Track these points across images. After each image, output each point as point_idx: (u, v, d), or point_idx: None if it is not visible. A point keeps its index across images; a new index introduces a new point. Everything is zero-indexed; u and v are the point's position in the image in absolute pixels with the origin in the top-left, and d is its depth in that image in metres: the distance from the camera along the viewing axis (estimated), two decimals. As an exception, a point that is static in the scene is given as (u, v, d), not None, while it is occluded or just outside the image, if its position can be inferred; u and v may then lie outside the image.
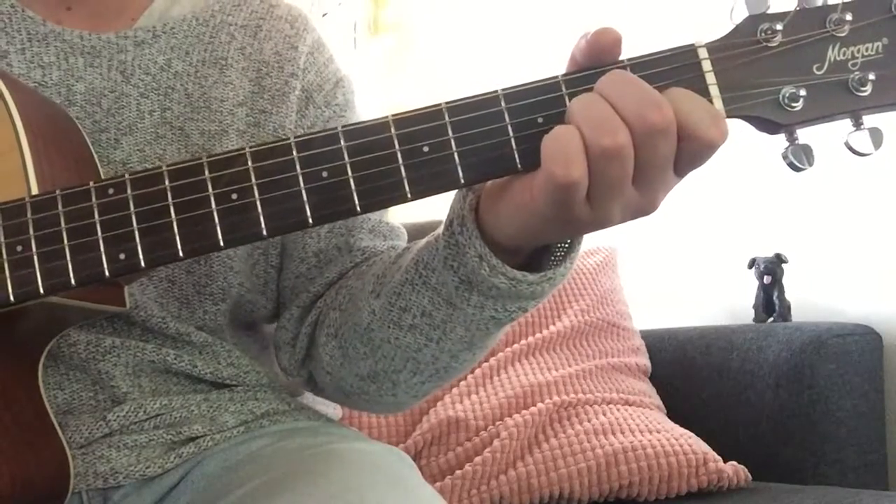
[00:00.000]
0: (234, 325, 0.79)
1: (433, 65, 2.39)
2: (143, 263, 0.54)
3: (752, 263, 1.61)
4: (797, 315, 1.57)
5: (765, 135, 0.57)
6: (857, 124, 0.56)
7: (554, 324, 1.50)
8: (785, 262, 1.58)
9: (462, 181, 0.54)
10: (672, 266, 1.85)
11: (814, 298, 1.61)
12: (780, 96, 0.55)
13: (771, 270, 1.58)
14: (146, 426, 0.71)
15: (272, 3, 0.84)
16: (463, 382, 1.40)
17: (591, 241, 1.68)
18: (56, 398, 0.69)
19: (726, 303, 1.74)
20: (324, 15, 2.48)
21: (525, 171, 0.54)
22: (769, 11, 0.56)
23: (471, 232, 0.59)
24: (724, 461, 1.29)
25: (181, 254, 0.54)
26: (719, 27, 0.57)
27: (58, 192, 0.55)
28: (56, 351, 0.69)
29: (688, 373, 1.55)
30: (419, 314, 0.65)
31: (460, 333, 0.66)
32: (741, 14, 0.56)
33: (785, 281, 1.58)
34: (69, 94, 0.72)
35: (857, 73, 0.55)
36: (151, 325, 0.72)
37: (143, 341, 0.72)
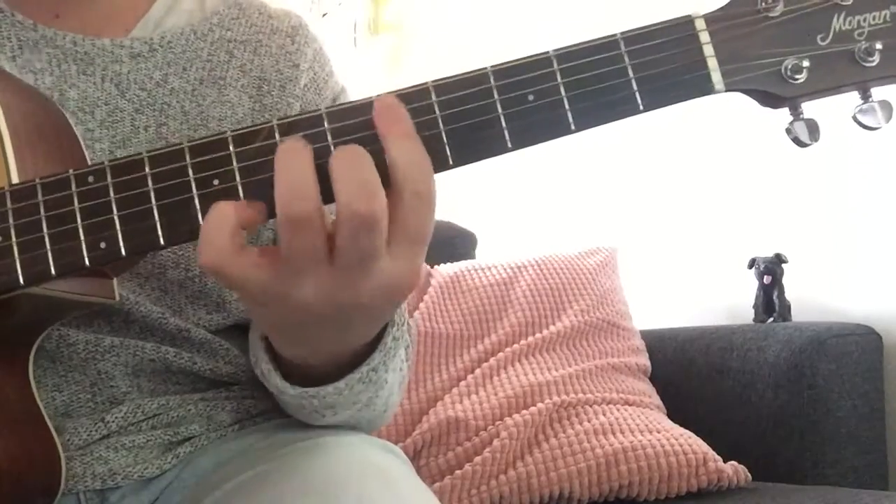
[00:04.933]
0: (232, 327, 0.79)
1: (433, 65, 2.39)
2: (123, 252, 0.53)
3: (752, 263, 1.61)
4: (797, 315, 1.57)
5: (767, 113, 0.55)
6: (866, 97, 0.54)
7: (554, 324, 1.50)
8: (785, 262, 1.58)
9: (451, 162, 0.53)
10: (672, 266, 1.85)
11: (814, 298, 1.61)
12: (783, 68, 0.53)
13: (771, 270, 1.58)
14: (144, 427, 0.71)
15: (270, 14, 0.83)
16: (463, 382, 1.41)
17: (592, 241, 1.68)
18: (54, 400, 0.69)
19: (726, 303, 1.74)
20: (324, 15, 2.48)
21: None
22: None
23: (255, 334, 0.65)
24: (724, 461, 1.29)
25: (162, 241, 0.53)
26: None
27: (37, 180, 0.54)
28: (54, 352, 0.68)
29: (688, 373, 1.55)
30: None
31: (291, 411, 0.70)
32: None
33: (785, 281, 1.58)
34: (62, 99, 0.71)
35: (863, 42, 0.53)
36: (150, 322, 0.71)
37: (142, 340, 0.71)
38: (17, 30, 0.72)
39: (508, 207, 2.08)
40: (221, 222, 0.50)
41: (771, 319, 1.58)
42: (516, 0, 2.17)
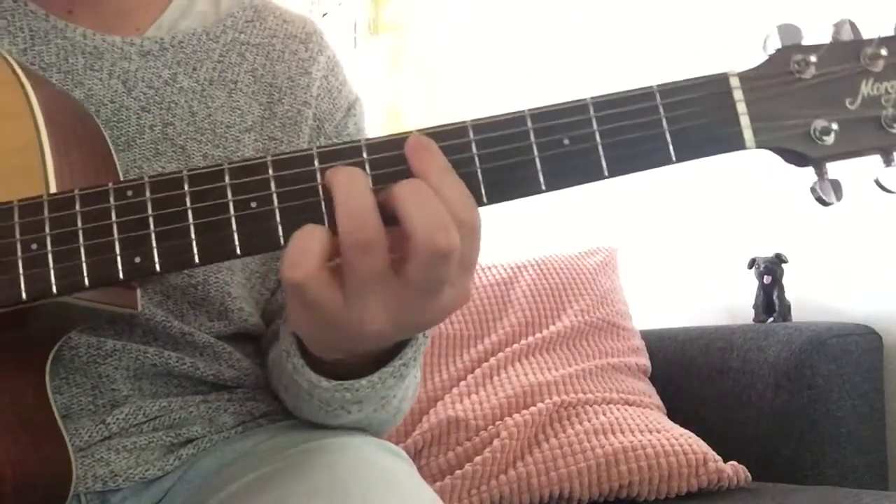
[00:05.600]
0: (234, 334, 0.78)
1: (433, 65, 2.39)
2: (158, 268, 0.53)
3: (752, 263, 1.61)
4: (797, 315, 1.57)
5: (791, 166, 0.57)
6: (888, 161, 0.56)
7: (554, 324, 1.50)
8: (785, 262, 1.58)
9: (485, 200, 0.54)
10: (672, 266, 1.85)
11: (814, 298, 1.61)
12: (812, 130, 0.55)
13: (771, 270, 1.58)
14: (145, 428, 0.71)
15: (285, 18, 0.82)
16: (463, 382, 1.41)
17: (592, 241, 1.68)
18: (55, 402, 0.68)
19: (726, 303, 1.74)
20: (324, 15, 2.48)
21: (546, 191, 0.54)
22: (803, 43, 0.55)
23: (285, 326, 0.64)
24: (724, 461, 1.29)
25: (197, 260, 0.53)
26: (753, 57, 0.56)
27: (76, 191, 0.54)
28: (56, 354, 0.68)
29: (688, 373, 1.55)
30: (284, 381, 0.69)
31: (308, 410, 0.69)
32: (774, 44, 0.56)
33: (785, 281, 1.58)
34: None
35: (889, 109, 0.55)
36: (154, 326, 0.71)
37: (145, 344, 0.71)
38: (30, 19, 0.72)
39: (508, 207, 2.08)
40: (314, 245, 0.51)
41: (771, 319, 1.58)
42: (516, 2, 2.17)
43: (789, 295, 1.58)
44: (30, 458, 0.61)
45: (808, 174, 0.57)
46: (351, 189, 0.51)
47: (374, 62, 2.49)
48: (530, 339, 1.46)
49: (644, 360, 1.55)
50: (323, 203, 0.53)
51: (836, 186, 0.56)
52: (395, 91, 2.45)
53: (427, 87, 2.38)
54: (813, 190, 0.56)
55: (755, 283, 1.60)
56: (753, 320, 1.61)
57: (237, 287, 0.75)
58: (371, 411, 0.67)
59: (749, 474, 1.31)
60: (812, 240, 1.62)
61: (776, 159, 0.57)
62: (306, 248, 0.51)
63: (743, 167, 1.68)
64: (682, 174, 1.92)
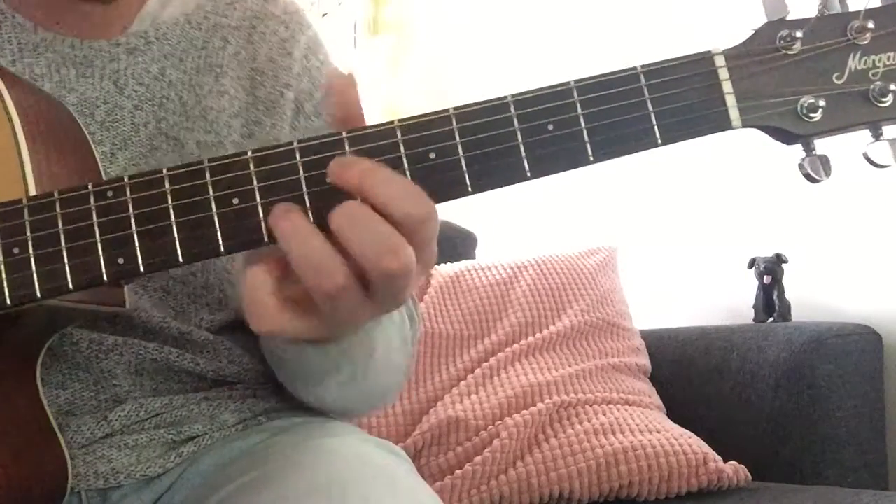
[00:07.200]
0: (235, 327, 0.79)
1: (433, 65, 2.39)
2: (142, 268, 0.53)
3: (752, 263, 1.61)
4: (797, 315, 1.57)
5: (779, 143, 0.56)
6: (877, 135, 0.54)
7: (554, 324, 1.50)
8: (785, 262, 1.58)
9: (470, 189, 0.53)
10: (672, 266, 1.85)
11: (814, 298, 1.61)
12: (799, 106, 0.54)
13: (771, 270, 1.58)
14: (147, 426, 0.71)
15: None
16: (463, 382, 1.41)
17: (592, 241, 1.68)
18: (58, 398, 0.69)
19: (726, 303, 1.74)
20: (324, 15, 2.48)
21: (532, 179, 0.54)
22: (789, 18, 0.54)
23: None
24: (724, 461, 1.29)
25: (180, 259, 0.53)
26: (737, 32, 0.55)
27: (56, 194, 0.54)
28: (58, 350, 0.68)
29: (688, 373, 1.55)
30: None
31: (289, 374, 0.70)
32: (759, 19, 0.55)
33: (785, 281, 1.58)
34: None
35: (878, 83, 0.53)
36: (152, 326, 0.71)
37: (146, 340, 0.71)
38: (18, 32, 0.72)
39: (508, 207, 2.08)
40: (260, 288, 0.51)
41: (771, 319, 1.58)
42: (516, 1, 2.17)
43: (789, 295, 1.58)
44: (24, 458, 0.61)
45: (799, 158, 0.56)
46: (304, 241, 0.49)
47: (373, 62, 2.49)
48: (530, 339, 1.46)
49: (644, 361, 1.55)
50: (307, 198, 0.52)
51: (825, 162, 0.55)
52: (395, 91, 2.46)
53: (427, 87, 2.39)
54: (801, 166, 0.55)
55: (755, 283, 1.60)
56: (753, 320, 1.61)
57: (237, 273, 0.75)
58: (348, 381, 0.66)
59: (749, 474, 1.30)
60: (812, 240, 1.62)
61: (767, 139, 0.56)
62: (257, 295, 0.51)
63: (743, 167, 1.69)
64: (682, 173, 1.93)
